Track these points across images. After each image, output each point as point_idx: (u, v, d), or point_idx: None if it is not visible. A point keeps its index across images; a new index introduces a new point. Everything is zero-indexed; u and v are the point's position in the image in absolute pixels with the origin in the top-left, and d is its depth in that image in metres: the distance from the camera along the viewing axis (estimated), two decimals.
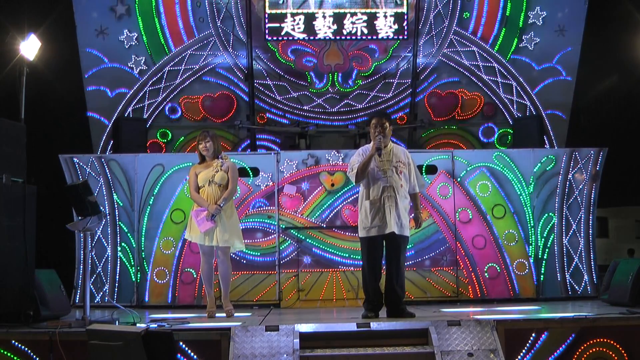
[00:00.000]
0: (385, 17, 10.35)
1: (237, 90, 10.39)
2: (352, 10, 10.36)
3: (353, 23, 10.36)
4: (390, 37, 10.37)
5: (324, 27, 10.34)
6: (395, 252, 6.40)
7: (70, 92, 10.20)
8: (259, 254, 8.45)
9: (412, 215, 6.59)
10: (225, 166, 6.88)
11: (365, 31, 10.36)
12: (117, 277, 8.45)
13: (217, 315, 6.92)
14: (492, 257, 8.54)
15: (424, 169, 8.61)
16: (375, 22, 10.36)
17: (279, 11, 10.34)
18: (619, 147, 9.60)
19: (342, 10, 10.37)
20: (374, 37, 10.38)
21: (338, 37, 10.36)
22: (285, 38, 10.35)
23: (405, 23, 10.36)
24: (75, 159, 8.61)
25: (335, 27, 10.34)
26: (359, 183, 6.48)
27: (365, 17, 10.36)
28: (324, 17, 10.35)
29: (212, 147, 6.88)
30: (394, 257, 6.40)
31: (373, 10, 10.37)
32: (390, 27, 10.36)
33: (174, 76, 10.28)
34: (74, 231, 7.29)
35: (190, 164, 8.40)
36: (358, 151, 6.60)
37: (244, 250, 7.31)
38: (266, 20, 10.32)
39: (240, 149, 10.12)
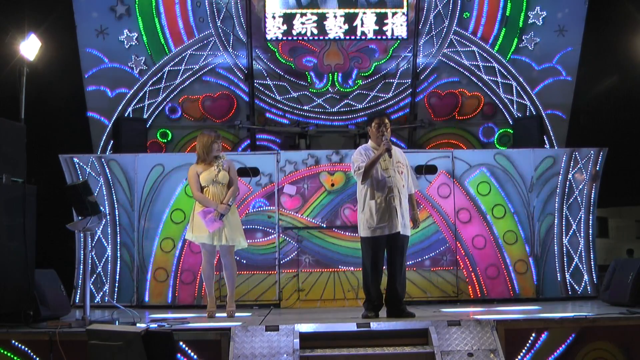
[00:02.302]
0: (335, 17, 10.34)
1: (237, 90, 10.39)
2: (302, 11, 10.35)
3: (303, 24, 10.35)
4: (341, 38, 10.35)
5: (273, 28, 10.34)
6: (399, 252, 6.42)
7: (70, 92, 10.20)
8: (259, 254, 8.45)
9: (411, 215, 6.60)
10: (226, 165, 6.91)
11: (315, 32, 10.35)
12: (117, 277, 8.45)
13: (217, 315, 6.93)
14: (492, 257, 8.55)
15: (424, 169, 8.61)
16: (324, 23, 10.35)
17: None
18: (619, 147, 9.60)
19: (292, 11, 10.34)
20: (324, 38, 10.36)
21: (289, 38, 10.34)
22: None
23: (355, 23, 10.34)
24: (75, 159, 8.61)
25: (285, 27, 10.33)
26: (365, 182, 6.47)
27: (315, 17, 10.35)
28: (274, 17, 10.34)
29: (221, 148, 6.96)
30: (397, 257, 6.42)
31: (322, 11, 10.36)
32: (340, 27, 10.36)
33: (174, 76, 10.28)
34: (74, 231, 7.29)
35: (190, 163, 8.44)
36: (359, 150, 6.60)
37: (246, 247, 7.33)
38: (265, 20, 10.34)
39: (240, 149, 10.12)
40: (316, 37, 10.35)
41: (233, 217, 6.86)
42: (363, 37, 10.39)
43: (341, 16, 10.37)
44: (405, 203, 6.44)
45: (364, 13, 10.38)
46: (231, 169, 6.94)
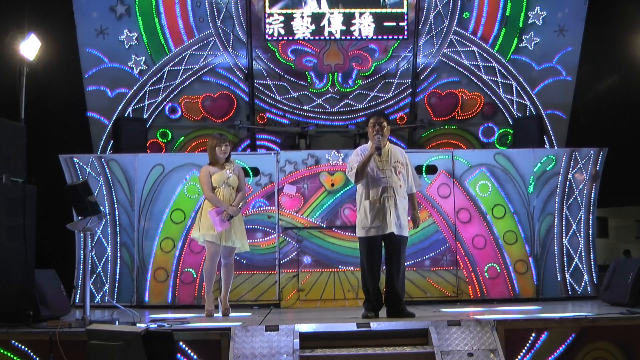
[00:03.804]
0: (302, 17, 10.33)
1: (237, 90, 10.39)
2: (269, 11, 10.34)
3: (270, 24, 10.35)
4: (308, 39, 10.36)
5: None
6: (394, 252, 6.39)
7: (70, 92, 10.19)
8: (259, 254, 8.45)
9: (410, 215, 6.59)
10: (236, 170, 7.07)
11: (282, 32, 10.35)
12: (117, 277, 8.46)
13: (215, 315, 6.94)
14: (492, 257, 8.55)
15: (424, 169, 8.61)
16: (291, 23, 10.35)
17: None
18: (619, 147, 9.59)
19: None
20: (291, 39, 10.37)
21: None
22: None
23: (322, 23, 10.35)
24: (75, 159, 8.62)
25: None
26: (359, 182, 6.48)
27: (282, 18, 10.35)
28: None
29: (228, 150, 7.06)
30: (394, 258, 6.40)
31: (290, 11, 10.35)
32: (307, 27, 10.36)
33: (174, 76, 10.28)
34: (74, 231, 7.29)
35: (190, 163, 8.47)
36: (356, 151, 6.60)
37: (249, 251, 7.43)
38: (266, 20, 10.35)
39: (240, 149, 10.11)
40: (283, 38, 10.36)
41: (239, 221, 7.03)
42: (331, 37, 10.39)
43: (308, 16, 10.37)
44: (402, 203, 6.40)
45: (331, 13, 10.38)
46: (240, 174, 7.12)
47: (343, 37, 10.37)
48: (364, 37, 10.39)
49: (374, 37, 10.40)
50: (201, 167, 7.20)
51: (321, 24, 10.38)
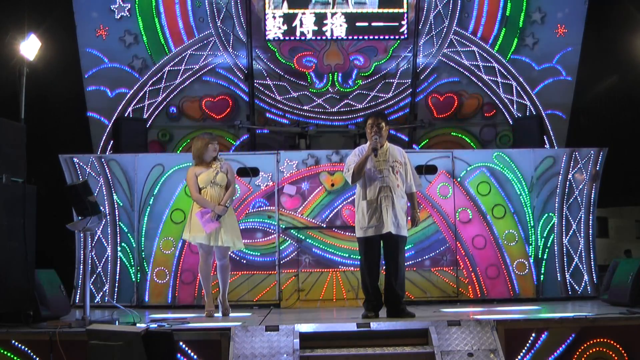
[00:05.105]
0: (274, 17, 10.33)
1: (237, 90, 10.39)
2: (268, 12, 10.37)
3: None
4: (278, 39, 10.36)
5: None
6: (393, 252, 6.39)
7: (70, 92, 10.21)
8: (259, 254, 8.45)
9: (410, 214, 6.58)
10: (224, 168, 6.98)
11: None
12: (117, 277, 8.45)
13: (215, 315, 6.94)
14: (492, 257, 8.55)
15: (423, 169, 8.61)
16: (265, 23, 10.39)
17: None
18: (619, 147, 9.59)
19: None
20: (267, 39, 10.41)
21: None
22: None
23: (294, 23, 10.35)
24: (75, 159, 8.62)
25: None
26: (355, 183, 6.48)
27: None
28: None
29: (217, 149, 7.00)
30: (392, 257, 6.40)
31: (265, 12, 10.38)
32: (279, 27, 10.36)
33: (174, 76, 10.28)
34: (74, 231, 7.29)
35: (191, 164, 8.46)
36: (354, 151, 6.60)
37: (244, 249, 7.38)
38: (266, 20, 10.35)
39: (240, 149, 10.11)
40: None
41: (230, 219, 6.91)
42: (302, 38, 10.39)
43: (280, 17, 10.36)
44: (399, 203, 6.39)
45: (303, 13, 10.37)
46: (229, 171, 7.02)
47: (314, 38, 10.37)
48: (335, 37, 10.40)
49: (346, 38, 10.40)
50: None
51: (293, 24, 10.37)
